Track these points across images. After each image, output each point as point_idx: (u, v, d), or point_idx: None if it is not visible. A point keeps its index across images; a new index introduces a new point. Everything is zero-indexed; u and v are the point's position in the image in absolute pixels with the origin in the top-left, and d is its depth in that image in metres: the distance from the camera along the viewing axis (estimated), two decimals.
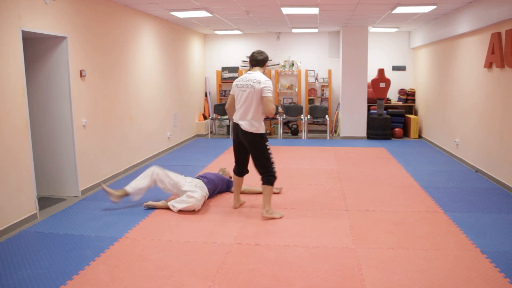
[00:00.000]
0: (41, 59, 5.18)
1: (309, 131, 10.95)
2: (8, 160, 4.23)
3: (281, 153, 8.13)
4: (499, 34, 5.74)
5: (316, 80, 10.75)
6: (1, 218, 4.14)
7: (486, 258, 3.47)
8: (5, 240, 4.00)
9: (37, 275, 3.27)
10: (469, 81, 6.88)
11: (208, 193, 4.98)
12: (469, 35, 6.90)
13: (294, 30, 10.29)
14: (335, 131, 10.60)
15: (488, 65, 6.06)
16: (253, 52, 4.55)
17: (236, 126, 4.46)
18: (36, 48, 5.14)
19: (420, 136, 9.99)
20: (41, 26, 4.71)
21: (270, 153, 4.41)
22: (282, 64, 10.84)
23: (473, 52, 6.74)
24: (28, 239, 4.03)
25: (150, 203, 4.87)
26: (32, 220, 4.54)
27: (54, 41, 5.11)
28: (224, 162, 7.32)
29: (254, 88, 4.32)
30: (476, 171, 6.47)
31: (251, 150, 4.46)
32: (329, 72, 10.65)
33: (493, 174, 5.91)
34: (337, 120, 10.50)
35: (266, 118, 10.42)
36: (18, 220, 4.35)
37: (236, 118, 4.48)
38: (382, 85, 9.59)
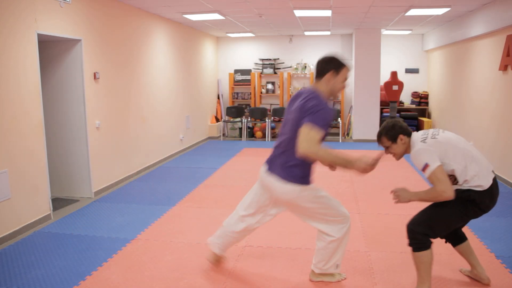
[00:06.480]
0: (56, 61, 5.25)
1: None
2: (23, 161, 4.28)
3: None
4: None
5: None
6: (16, 218, 4.19)
7: (501, 263, 3.42)
8: (19, 240, 4.05)
9: (51, 275, 3.30)
10: (484, 84, 6.80)
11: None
12: (483, 37, 6.82)
13: (306, 33, 10.27)
14: (348, 134, 10.55)
15: (503, 67, 5.98)
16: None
17: None
18: (51, 50, 5.21)
19: None
20: (56, 29, 4.77)
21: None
22: (295, 66, 10.83)
23: (487, 55, 6.66)
24: (42, 240, 4.07)
25: None
26: (46, 220, 4.59)
27: (69, 43, 5.17)
28: (236, 164, 7.33)
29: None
30: None
31: None
32: None
33: (508, 178, 5.83)
34: (349, 123, 10.46)
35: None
36: (33, 220, 4.40)
37: None
38: (395, 88, 9.52)
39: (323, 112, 2.67)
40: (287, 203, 2.95)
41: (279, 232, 4.17)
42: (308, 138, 2.60)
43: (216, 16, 7.38)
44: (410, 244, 2.84)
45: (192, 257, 3.61)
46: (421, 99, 10.49)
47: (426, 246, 2.79)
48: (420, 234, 2.78)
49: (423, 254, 2.79)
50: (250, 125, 10.80)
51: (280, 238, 4.03)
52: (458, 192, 2.73)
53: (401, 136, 2.90)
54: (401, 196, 2.86)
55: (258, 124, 10.73)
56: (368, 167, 2.68)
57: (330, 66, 2.83)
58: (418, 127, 10.11)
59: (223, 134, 10.94)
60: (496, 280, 3.14)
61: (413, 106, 10.54)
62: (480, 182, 2.72)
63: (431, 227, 2.81)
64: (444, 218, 2.82)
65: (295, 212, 3.04)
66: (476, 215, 2.82)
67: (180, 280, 3.21)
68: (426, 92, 10.47)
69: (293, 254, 3.67)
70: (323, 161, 2.69)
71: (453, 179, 2.78)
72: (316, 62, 2.91)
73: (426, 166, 2.68)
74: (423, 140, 2.79)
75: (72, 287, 3.11)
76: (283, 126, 2.94)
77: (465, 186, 2.74)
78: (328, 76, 2.82)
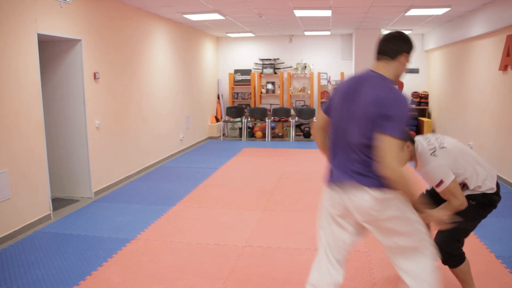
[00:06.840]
0: (56, 61, 5.25)
1: None
2: (24, 161, 4.28)
3: (293, 156, 8.12)
4: None
5: (329, 83, 10.71)
6: (16, 218, 4.19)
7: (501, 263, 3.42)
8: (20, 240, 4.05)
9: (51, 275, 3.30)
10: (484, 84, 6.79)
11: None
12: (483, 37, 6.82)
13: (306, 33, 10.27)
14: None
15: (503, 67, 5.98)
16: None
17: None
18: (51, 50, 5.21)
19: None
20: (56, 29, 4.77)
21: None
22: (295, 66, 10.83)
23: (487, 55, 6.66)
24: (42, 240, 4.07)
25: None
26: (46, 220, 4.59)
27: (69, 43, 5.17)
28: (236, 164, 7.32)
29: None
30: None
31: None
32: (342, 74, 10.61)
33: (508, 178, 5.83)
34: None
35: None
36: (33, 220, 4.40)
37: None
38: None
39: (406, 116, 2.07)
40: (380, 219, 2.23)
41: (279, 232, 4.17)
42: (393, 155, 2.01)
43: (216, 16, 7.38)
44: (446, 264, 2.75)
45: (192, 257, 3.61)
46: (421, 99, 10.48)
47: (463, 258, 2.72)
48: (457, 249, 2.72)
49: (463, 266, 2.73)
50: (250, 125, 10.80)
51: (280, 238, 4.03)
52: (477, 197, 2.67)
53: (407, 143, 2.71)
54: None
55: (258, 124, 10.73)
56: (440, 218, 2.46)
57: (405, 47, 2.21)
58: (418, 127, 10.11)
59: (223, 134, 10.94)
60: (496, 280, 3.14)
61: (413, 106, 10.54)
62: (491, 184, 2.67)
63: (461, 239, 2.75)
64: (471, 227, 2.77)
65: (387, 232, 2.35)
66: (489, 213, 2.79)
67: (179, 281, 3.21)
68: (426, 92, 10.46)
69: (293, 254, 3.67)
70: (394, 183, 2.08)
71: (463, 185, 2.70)
72: (385, 37, 2.24)
73: (441, 183, 2.58)
74: (433, 153, 2.64)
75: (72, 287, 3.11)
76: (343, 121, 2.20)
77: (478, 191, 2.68)
78: (402, 59, 2.20)
